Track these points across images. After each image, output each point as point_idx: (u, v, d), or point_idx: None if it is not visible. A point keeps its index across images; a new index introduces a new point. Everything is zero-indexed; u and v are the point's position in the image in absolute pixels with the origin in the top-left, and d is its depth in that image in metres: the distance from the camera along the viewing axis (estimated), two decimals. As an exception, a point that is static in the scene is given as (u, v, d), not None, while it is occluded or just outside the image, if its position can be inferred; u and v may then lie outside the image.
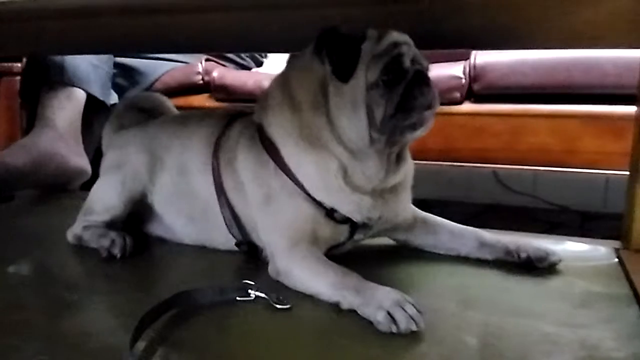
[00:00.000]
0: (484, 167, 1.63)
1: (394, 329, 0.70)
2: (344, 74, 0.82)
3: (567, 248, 1.01)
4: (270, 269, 0.87)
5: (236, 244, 0.98)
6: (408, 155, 0.93)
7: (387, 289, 0.75)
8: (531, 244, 0.93)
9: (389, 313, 0.71)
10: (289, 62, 0.94)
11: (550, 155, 1.56)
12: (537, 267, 0.91)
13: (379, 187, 0.88)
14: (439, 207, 1.04)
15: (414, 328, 0.70)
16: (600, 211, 1.57)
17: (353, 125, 0.84)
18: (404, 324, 0.70)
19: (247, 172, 0.93)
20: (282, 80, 0.92)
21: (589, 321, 0.75)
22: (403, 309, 0.71)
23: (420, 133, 0.84)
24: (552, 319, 0.75)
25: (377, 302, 0.73)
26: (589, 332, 0.71)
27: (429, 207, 1.03)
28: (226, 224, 0.97)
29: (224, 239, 0.99)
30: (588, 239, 1.06)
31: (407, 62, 0.83)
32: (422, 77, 0.83)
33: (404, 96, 0.81)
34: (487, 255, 0.94)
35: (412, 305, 0.72)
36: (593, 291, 0.84)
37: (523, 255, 0.91)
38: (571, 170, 1.56)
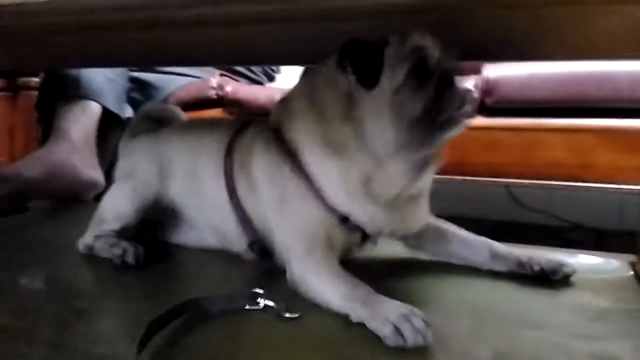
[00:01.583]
0: (497, 181, 1.61)
1: (401, 343, 0.68)
2: (369, 82, 0.81)
3: (582, 261, 1.00)
4: (287, 275, 0.87)
5: (249, 245, 0.97)
6: (437, 159, 0.89)
7: (396, 302, 0.74)
8: (544, 256, 0.92)
9: (396, 327, 0.69)
10: (309, 72, 0.93)
11: (564, 170, 1.54)
12: (551, 279, 0.89)
13: (402, 195, 0.87)
14: (451, 223, 1.02)
15: (421, 342, 0.68)
16: (616, 228, 1.55)
17: (381, 130, 0.82)
18: (410, 338, 0.68)
19: (262, 173, 0.92)
20: (307, 87, 0.91)
21: (605, 334, 0.73)
22: (410, 322, 0.69)
23: (454, 133, 0.82)
24: (566, 332, 0.74)
25: (384, 315, 0.71)
26: (605, 345, 0.70)
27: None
28: (238, 228, 0.97)
29: (238, 242, 0.99)
30: (603, 253, 1.05)
31: (432, 63, 0.81)
32: (449, 78, 0.82)
33: (432, 97, 0.80)
34: (499, 267, 0.93)
35: (421, 318, 0.70)
36: (608, 304, 0.83)
37: (536, 267, 0.90)
38: (586, 186, 1.54)
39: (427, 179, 0.90)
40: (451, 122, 0.81)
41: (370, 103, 0.82)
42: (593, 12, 0.87)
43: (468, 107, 0.82)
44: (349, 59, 0.83)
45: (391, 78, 0.81)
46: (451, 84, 0.81)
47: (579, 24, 0.88)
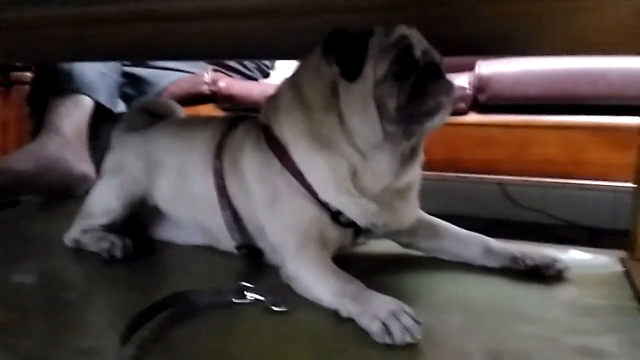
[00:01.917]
0: (490, 178, 1.61)
1: (388, 340, 0.68)
2: (352, 74, 0.81)
3: (573, 257, 1.00)
4: (282, 272, 0.86)
5: (236, 248, 0.97)
6: (421, 152, 0.90)
7: (386, 298, 0.73)
8: (538, 252, 0.91)
9: (384, 324, 0.69)
10: (299, 64, 0.93)
11: (557, 167, 1.55)
12: (543, 274, 0.89)
13: (390, 187, 0.86)
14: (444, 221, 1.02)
15: (408, 340, 0.67)
16: (608, 227, 1.54)
17: (364, 121, 0.82)
18: (398, 336, 0.67)
19: (253, 172, 0.91)
20: (293, 81, 0.91)
21: (593, 329, 0.73)
22: (399, 320, 0.69)
23: (439, 120, 0.81)
24: (556, 326, 0.74)
25: (373, 311, 0.70)
26: (593, 339, 0.70)
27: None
28: (227, 227, 0.96)
29: (226, 241, 0.98)
30: (594, 249, 1.05)
31: (417, 53, 0.81)
32: (434, 68, 0.81)
33: (416, 84, 0.79)
34: (493, 263, 0.92)
35: (410, 316, 0.69)
36: (598, 300, 0.82)
37: (529, 262, 0.90)
38: (579, 183, 1.54)
39: (413, 173, 0.89)
40: (433, 111, 0.80)
41: (353, 94, 0.82)
42: (586, 7, 0.87)
43: (452, 96, 0.82)
44: (333, 50, 0.82)
45: (375, 69, 0.80)
46: (436, 73, 0.81)
47: (573, 19, 0.88)
